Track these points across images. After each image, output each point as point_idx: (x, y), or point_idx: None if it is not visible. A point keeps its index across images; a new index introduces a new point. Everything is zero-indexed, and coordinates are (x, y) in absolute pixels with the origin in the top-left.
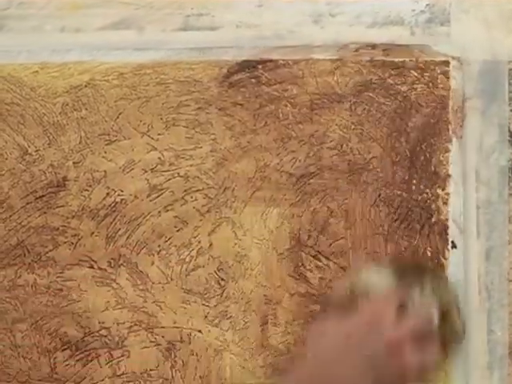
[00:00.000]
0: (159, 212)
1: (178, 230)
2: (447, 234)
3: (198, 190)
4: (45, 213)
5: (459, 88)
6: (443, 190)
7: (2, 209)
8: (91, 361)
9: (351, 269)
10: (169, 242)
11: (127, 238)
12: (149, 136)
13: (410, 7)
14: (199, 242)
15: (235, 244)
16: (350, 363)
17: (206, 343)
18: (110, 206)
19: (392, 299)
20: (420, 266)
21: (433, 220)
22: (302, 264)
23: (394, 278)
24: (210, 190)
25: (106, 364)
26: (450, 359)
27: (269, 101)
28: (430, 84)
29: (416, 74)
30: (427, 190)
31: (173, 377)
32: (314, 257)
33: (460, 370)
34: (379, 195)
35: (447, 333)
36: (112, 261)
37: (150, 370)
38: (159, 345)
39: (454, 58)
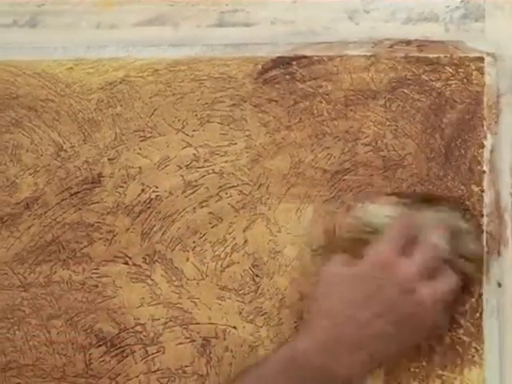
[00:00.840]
0: (194, 208)
1: (212, 227)
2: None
3: (232, 187)
4: (80, 209)
5: (493, 84)
6: (478, 186)
7: (37, 205)
8: (126, 357)
9: (354, 207)
10: (203, 238)
11: (162, 234)
12: (183, 132)
13: (444, 3)
14: (234, 238)
15: (270, 240)
16: (367, 309)
17: (240, 339)
18: (144, 202)
19: (399, 234)
20: (427, 197)
21: (467, 216)
22: None
23: (400, 212)
24: (245, 186)
25: (141, 360)
26: (473, 285)
27: (303, 97)
28: (465, 80)
29: (450, 70)
30: (462, 187)
31: (208, 373)
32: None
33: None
34: (414, 191)
35: (465, 259)
36: (147, 257)
37: (185, 366)
38: (194, 341)
39: (488, 54)
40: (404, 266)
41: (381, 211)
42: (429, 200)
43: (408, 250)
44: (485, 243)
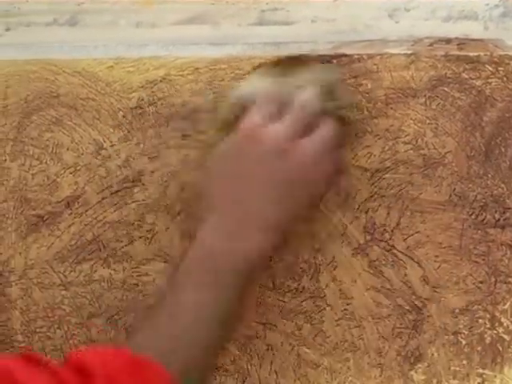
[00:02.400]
0: None
1: None
2: None
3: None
4: (120, 208)
5: None
6: None
7: (77, 204)
8: None
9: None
10: None
11: None
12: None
13: (483, 2)
14: None
15: (310, 238)
16: (249, 181)
17: (281, 338)
18: (184, 200)
19: (267, 101)
20: (296, 60)
21: (507, 214)
22: (377, 259)
23: (272, 79)
24: None
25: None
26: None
27: None
28: (505, 78)
29: (490, 69)
30: (502, 185)
31: (248, 371)
32: (388, 251)
33: None
34: (454, 190)
35: (339, 112)
36: None
37: (226, 364)
38: (235, 339)
39: None
40: (273, 130)
41: (255, 83)
42: (299, 63)
43: (279, 115)
44: None
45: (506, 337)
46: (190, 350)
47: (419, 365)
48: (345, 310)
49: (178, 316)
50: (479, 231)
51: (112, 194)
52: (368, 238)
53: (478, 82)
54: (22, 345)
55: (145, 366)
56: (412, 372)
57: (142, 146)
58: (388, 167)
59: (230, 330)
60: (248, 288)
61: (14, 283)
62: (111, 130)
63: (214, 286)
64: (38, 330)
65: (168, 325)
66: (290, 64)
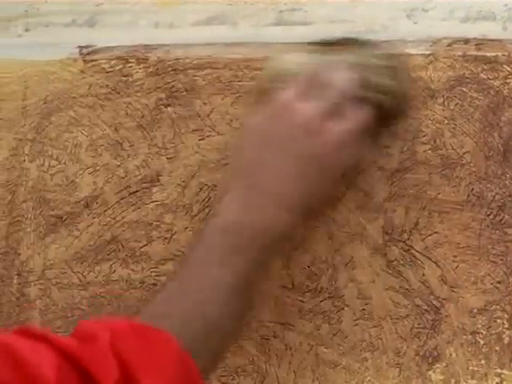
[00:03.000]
0: None
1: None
2: None
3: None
4: (139, 208)
5: None
6: None
7: (96, 204)
8: None
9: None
10: None
11: None
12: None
13: (502, 2)
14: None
15: (329, 239)
16: (275, 155)
17: (300, 338)
18: (203, 201)
19: (304, 78)
20: (339, 41)
21: None
22: (396, 259)
23: (313, 57)
24: None
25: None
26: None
27: None
28: None
29: (509, 69)
30: None
31: (267, 371)
32: (407, 252)
33: None
34: (472, 190)
35: (382, 94)
36: None
37: (245, 364)
38: (253, 339)
39: None
40: (305, 108)
41: (294, 59)
42: (342, 44)
43: (316, 94)
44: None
45: None
46: (203, 325)
47: (437, 365)
48: (363, 309)
49: (191, 290)
50: (497, 231)
51: (130, 194)
52: (386, 238)
53: (496, 83)
54: None
55: (153, 333)
56: (430, 372)
57: (160, 146)
58: (406, 167)
59: (243, 309)
60: (264, 265)
61: (32, 283)
62: (130, 131)
63: (231, 260)
64: (56, 330)
65: (180, 298)
66: (340, 44)
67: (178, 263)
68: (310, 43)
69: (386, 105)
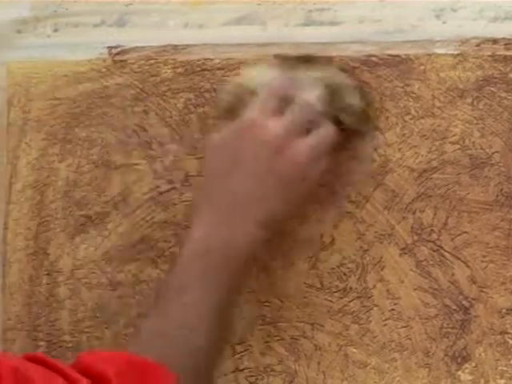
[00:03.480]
0: None
1: (300, 225)
2: None
3: (321, 185)
4: (168, 208)
5: None
6: None
7: (125, 204)
8: None
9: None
10: (291, 236)
11: None
12: None
13: None
14: (321, 236)
15: (357, 239)
16: (242, 173)
17: (329, 338)
18: None
19: (270, 95)
20: (306, 58)
21: None
22: (425, 259)
23: (278, 73)
24: (333, 185)
25: (229, 358)
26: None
27: (390, 96)
28: None
29: None
30: None
31: (296, 371)
32: (436, 252)
33: None
34: (501, 190)
35: (345, 113)
36: None
37: (273, 364)
38: (282, 339)
39: None
40: (272, 126)
41: (259, 74)
42: (308, 60)
43: (281, 111)
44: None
45: None
46: (189, 353)
47: (466, 365)
48: (392, 310)
49: (172, 319)
50: None
51: (160, 194)
52: (415, 238)
53: None
54: (70, 345)
55: (151, 368)
56: (459, 372)
57: (189, 146)
58: (435, 167)
59: (225, 326)
60: (238, 286)
61: (62, 283)
62: (159, 131)
63: (205, 285)
64: (85, 329)
65: (163, 329)
66: (302, 61)
67: (158, 290)
68: (275, 57)
69: (349, 121)
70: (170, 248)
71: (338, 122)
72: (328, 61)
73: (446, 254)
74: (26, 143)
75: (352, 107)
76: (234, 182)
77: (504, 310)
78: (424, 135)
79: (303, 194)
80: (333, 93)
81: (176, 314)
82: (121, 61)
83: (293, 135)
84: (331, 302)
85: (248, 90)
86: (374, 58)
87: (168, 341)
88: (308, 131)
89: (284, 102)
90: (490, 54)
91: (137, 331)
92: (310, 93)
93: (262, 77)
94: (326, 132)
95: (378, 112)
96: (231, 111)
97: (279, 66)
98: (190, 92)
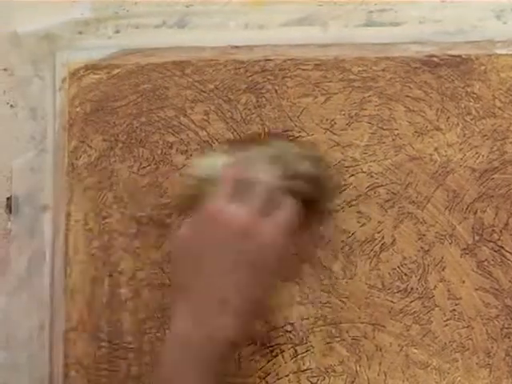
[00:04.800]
0: (342, 208)
1: (361, 226)
2: None
3: (381, 186)
4: None
5: None
6: None
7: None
8: (276, 356)
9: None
10: (352, 237)
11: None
12: (332, 132)
13: None
14: (382, 237)
15: (418, 239)
16: (213, 265)
17: (390, 338)
18: None
19: (226, 181)
20: (254, 137)
21: None
22: (486, 259)
23: (229, 158)
24: (393, 185)
25: (291, 359)
26: (319, 204)
27: (451, 96)
28: None
29: None
30: None
31: (357, 372)
32: (497, 252)
33: None
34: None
35: (303, 181)
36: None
37: (334, 365)
38: (343, 340)
39: None
40: (235, 212)
41: (214, 162)
42: (257, 139)
43: (241, 195)
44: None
45: None
46: None
47: None
48: (453, 310)
49: None
50: None
51: None
52: (477, 238)
53: None
54: (132, 346)
55: None
56: None
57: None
58: (496, 167)
59: None
60: (221, 373)
61: (123, 284)
62: (219, 131)
63: (189, 376)
64: (147, 330)
65: None
66: (248, 142)
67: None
68: (222, 143)
69: (310, 192)
70: None
71: (297, 193)
72: (275, 136)
73: (507, 254)
74: (86, 144)
75: (307, 175)
76: (205, 275)
77: None
78: (485, 135)
79: (279, 273)
80: (286, 166)
81: None
82: (181, 62)
83: (257, 217)
84: (392, 302)
85: (207, 179)
86: (434, 59)
87: None
88: (270, 209)
89: (242, 186)
90: None
91: None
92: (265, 171)
93: (214, 165)
94: (289, 207)
95: (333, 175)
96: (190, 203)
97: (231, 150)
98: (251, 92)
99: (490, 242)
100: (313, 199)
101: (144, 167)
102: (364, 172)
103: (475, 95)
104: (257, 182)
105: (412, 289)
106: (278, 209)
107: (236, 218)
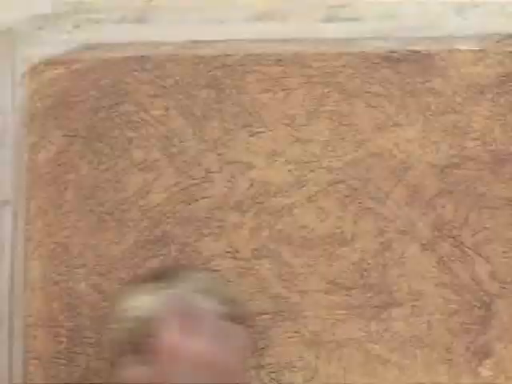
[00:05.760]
0: (302, 203)
1: (321, 221)
2: None
3: (340, 182)
4: (189, 204)
5: None
6: None
7: (145, 200)
8: None
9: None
10: (312, 232)
11: (270, 229)
12: (292, 127)
13: None
14: (342, 232)
15: (378, 235)
16: None
17: (349, 334)
18: (253, 197)
19: (170, 317)
20: (178, 271)
21: None
22: (446, 255)
23: (161, 295)
24: (353, 181)
25: (251, 354)
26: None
27: (411, 92)
28: None
29: None
30: None
31: (317, 367)
32: (457, 247)
33: None
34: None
35: (236, 307)
36: (255, 251)
37: (294, 360)
38: (303, 335)
39: None
40: (193, 346)
41: (142, 302)
42: (180, 273)
43: (189, 326)
44: None
45: None
46: None
47: (487, 361)
48: (413, 306)
49: None
50: None
51: (181, 190)
52: (436, 234)
53: None
54: (91, 341)
55: None
56: (480, 368)
57: (210, 142)
58: (456, 163)
59: None
60: None
61: (83, 279)
62: (179, 127)
63: None
64: (107, 325)
65: None
66: (171, 274)
67: None
68: (145, 279)
69: (237, 311)
70: (192, 244)
71: (235, 317)
72: (190, 269)
73: (467, 249)
74: (46, 139)
75: (233, 296)
76: None
77: None
78: (445, 131)
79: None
80: (218, 294)
81: None
82: (141, 57)
83: (216, 347)
84: (352, 297)
85: (138, 319)
86: (395, 54)
87: None
88: (223, 337)
89: (189, 319)
90: (510, 50)
91: None
92: (206, 302)
93: (145, 304)
94: (241, 333)
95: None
96: (129, 345)
97: (152, 287)
98: (211, 88)
99: (450, 237)
100: (242, 318)
101: (104, 162)
102: (324, 167)
103: (435, 91)
104: (204, 312)
105: (372, 284)
106: (229, 336)
107: (196, 350)
